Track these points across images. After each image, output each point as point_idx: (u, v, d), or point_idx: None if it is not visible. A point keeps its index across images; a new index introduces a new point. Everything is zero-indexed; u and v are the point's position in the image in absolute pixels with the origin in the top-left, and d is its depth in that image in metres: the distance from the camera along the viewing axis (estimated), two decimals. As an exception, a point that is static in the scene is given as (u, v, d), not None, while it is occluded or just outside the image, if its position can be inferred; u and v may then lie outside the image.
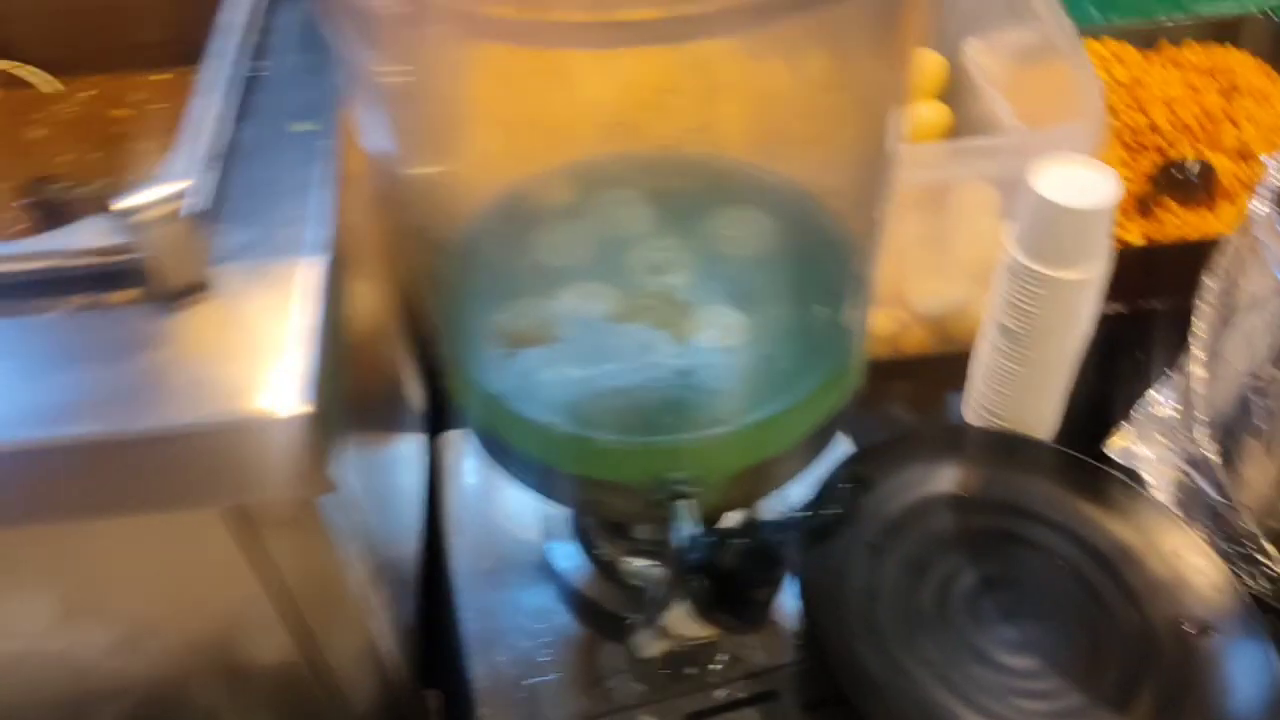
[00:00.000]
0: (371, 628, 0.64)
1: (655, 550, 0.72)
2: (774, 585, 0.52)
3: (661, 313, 0.63)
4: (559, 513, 0.82)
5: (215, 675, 0.69)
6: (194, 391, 0.47)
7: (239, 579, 0.58)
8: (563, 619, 0.80)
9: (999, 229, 0.77)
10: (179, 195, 0.47)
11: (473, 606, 0.81)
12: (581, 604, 0.79)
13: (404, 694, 0.72)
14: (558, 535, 0.81)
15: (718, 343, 0.63)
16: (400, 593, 0.74)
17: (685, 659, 0.75)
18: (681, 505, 0.58)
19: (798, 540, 0.52)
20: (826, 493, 0.64)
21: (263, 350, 0.48)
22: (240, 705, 0.73)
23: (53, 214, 0.77)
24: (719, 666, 0.75)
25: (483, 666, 0.78)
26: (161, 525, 0.55)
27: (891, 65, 0.52)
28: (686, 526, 0.56)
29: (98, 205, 0.77)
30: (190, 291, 0.50)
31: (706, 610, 0.54)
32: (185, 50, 0.89)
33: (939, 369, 0.97)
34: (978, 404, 0.86)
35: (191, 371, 0.48)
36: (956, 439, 0.83)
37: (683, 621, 0.56)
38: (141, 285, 0.50)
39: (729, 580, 0.53)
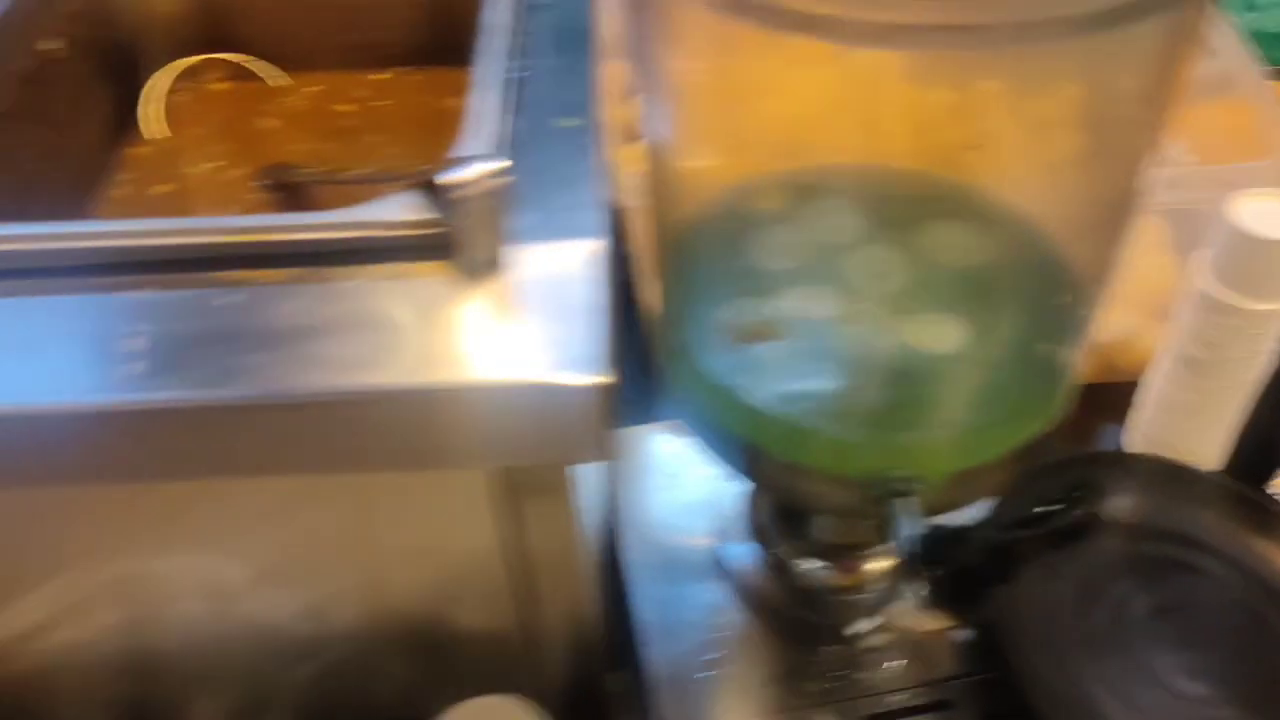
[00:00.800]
0: (586, 602, 0.67)
1: (855, 547, 0.74)
2: (1011, 582, 0.55)
3: (889, 317, 0.66)
4: (733, 513, 0.85)
5: (421, 638, 0.73)
6: (493, 357, 0.51)
7: (480, 540, 0.62)
8: (736, 616, 0.82)
9: (1170, 261, 0.79)
10: (493, 174, 0.51)
11: (648, 598, 0.84)
12: (756, 603, 0.81)
13: (595, 672, 0.75)
14: (732, 535, 0.84)
15: (939, 349, 0.65)
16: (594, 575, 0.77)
17: (860, 662, 0.77)
18: (901, 502, 0.61)
19: (1043, 539, 0.54)
20: (1058, 497, 0.66)
21: (557, 324, 0.52)
22: (436, 672, 0.76)
23: (290, 196, 0.83)
24: (893, 673, 0.76)
25: (660, 656, 0.81)
26: (425, 482, 0.59)
27: (1153, 103, 0.54)
28: (914, 522, 0.59)
29: (334, 190, 0.83)
30: (489, 266, 0.54)
31: (939, 604, 0.56)
32: (400, 53, 0.96)
33: (1100, 398, 0.98)
34: (1146, 433, 0.87)
35: (490, 339, 0.52)
36: (1126, 466, 0.84)
37: (909, 614, 0.58)
38: (446, 258, 0.54)
39: (965, 576, 0.55)
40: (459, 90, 0.93)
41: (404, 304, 0.54)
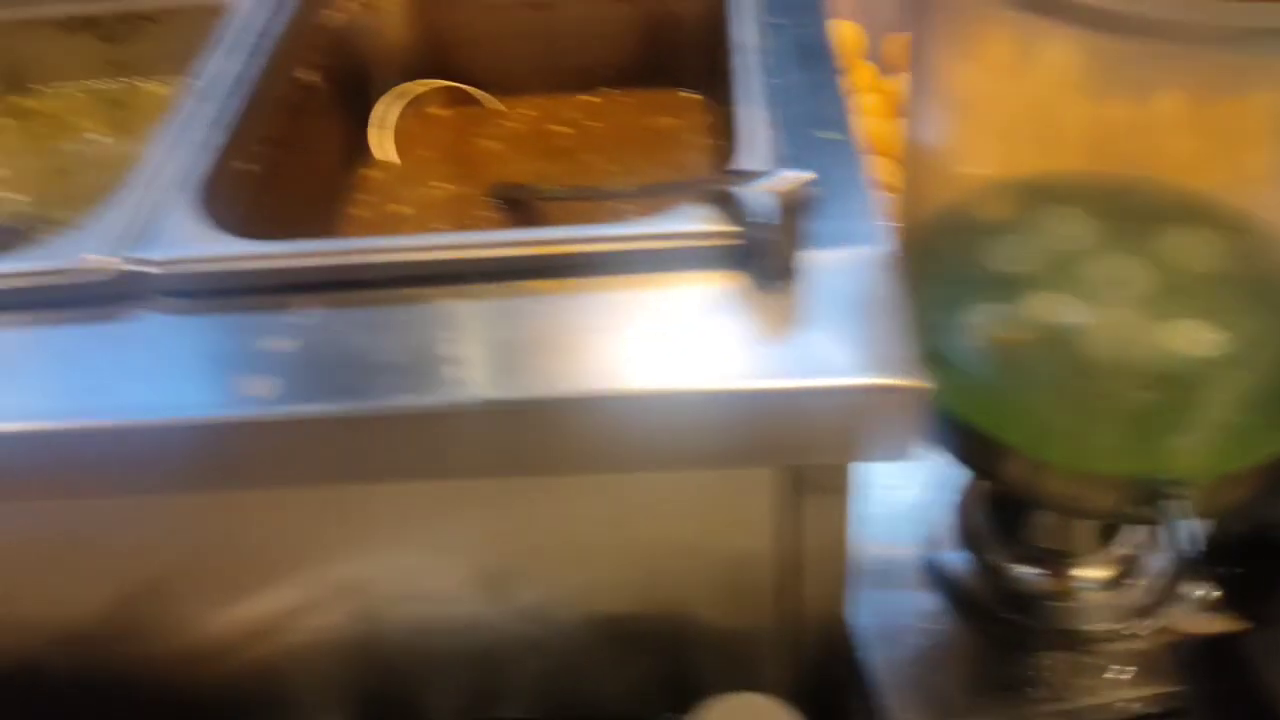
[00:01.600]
0: (839, 602, 0.69)
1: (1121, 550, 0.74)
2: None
3: (1144, 321, 0.66)
4: (946, 520, 0.86)
5: (666, 636, 0.75)
6: (800, 360, 0.54)
7: (754, 538, 0.64)
8: (951, 623, 0.83)
9: None
10: (799, 185, 0.54)
11: (865, 602, 0.85)
12: (969, 609, 0.82)
13: (834, 673, 0.77)
14: (944, 543, 0.85)
15: (1198, 353, 0.66)
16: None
17: (1090, 668, 0.77)
18: (1173, 504, 0.62)
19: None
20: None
21: (859, 328, 0.54)
22: (676, 669, 0.79)
23: (520, 213, 0.87)
24: (1121, 679, 0.76)
25: (881, 659, 0.82)
26: (710, 481, 0.62)
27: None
28: (1191, 524, 0.59)
29: (561, 207, 0.87)
30: (786, 273, 0.56)
31: (1225, 606, 0.57)
32: (609, 76, 0.99)
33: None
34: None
35: (793, 343, 0.54)
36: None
37: (1190, 617, 0.58)
38: (743, 266, 0.57)
39: (1258, 576, 0.55)
40: (668, 111, 0.97)
41: (709, 310, 0.56)
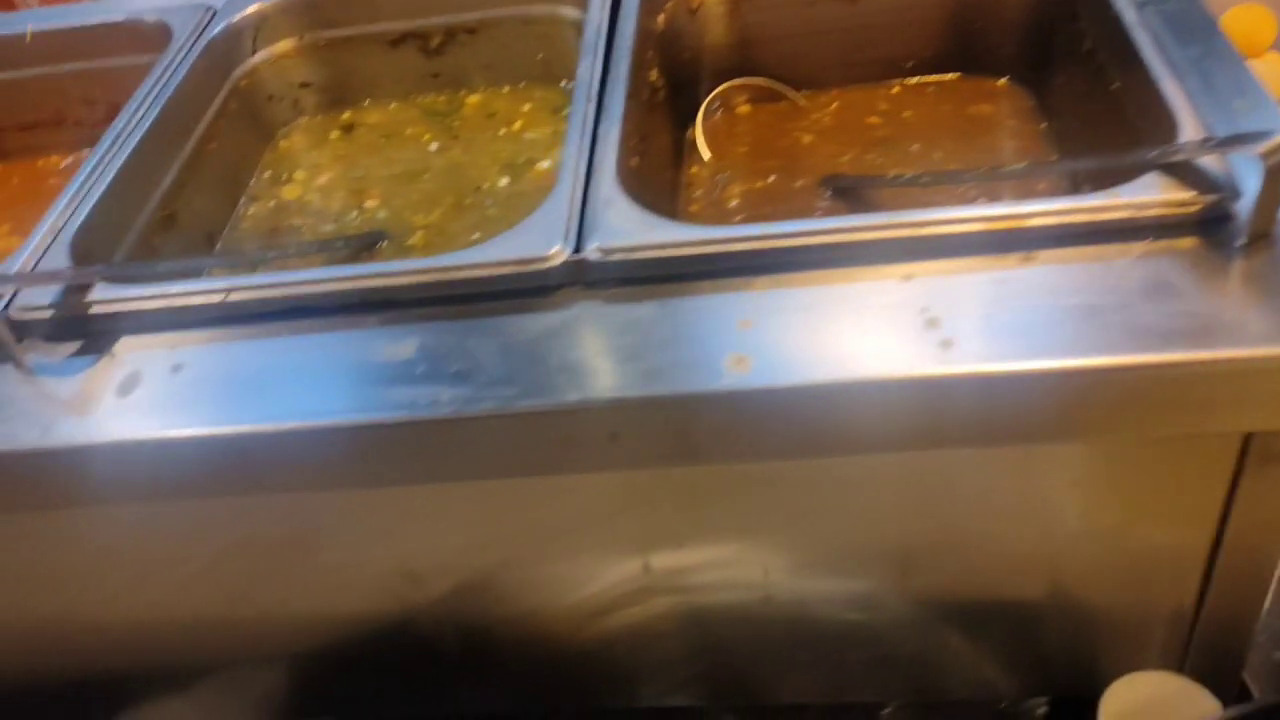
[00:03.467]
0: (1266, 581, 0.68)
1: None
2: None
3: None
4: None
5: (1054, 615, 0.75)
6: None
7: (1200, 512, 0.64)
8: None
9: None
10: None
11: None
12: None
13: (1238, 652, 0.75)
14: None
15: None
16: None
17: None
18: None
19: None
20: None
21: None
22: (1073, 645, 0.78)
23: (855, 201, 0.89)
24: None
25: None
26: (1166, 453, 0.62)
27: None
28: None
29: (893, 193, 0.88)
30: (1258, 238, 0.56)
31: None
32: (909, 67, 1.00)
33: None
34: None
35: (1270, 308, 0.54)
36: None
37: None
38: (1209, 233, 0.57)
39: None
40: (979, 98, 0.98)
41: (1170, 280, 0.57)
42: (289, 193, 0.96)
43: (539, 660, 0.84)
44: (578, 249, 0.65)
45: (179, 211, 0.86)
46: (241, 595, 0.75)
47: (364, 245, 0.87)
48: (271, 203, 0.95)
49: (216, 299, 0.67)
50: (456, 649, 0.82)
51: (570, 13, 0.96)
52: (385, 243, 0.87)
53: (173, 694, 0.84)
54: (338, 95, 1.04)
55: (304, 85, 1.03)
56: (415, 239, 0.88)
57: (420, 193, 0.94)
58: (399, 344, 0.64)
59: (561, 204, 0.68)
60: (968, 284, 0.60)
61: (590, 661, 0.85)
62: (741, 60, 1.00)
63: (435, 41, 1.02)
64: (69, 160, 1.08)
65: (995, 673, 0.83)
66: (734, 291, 0.63)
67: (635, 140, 0.77)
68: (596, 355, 0.61)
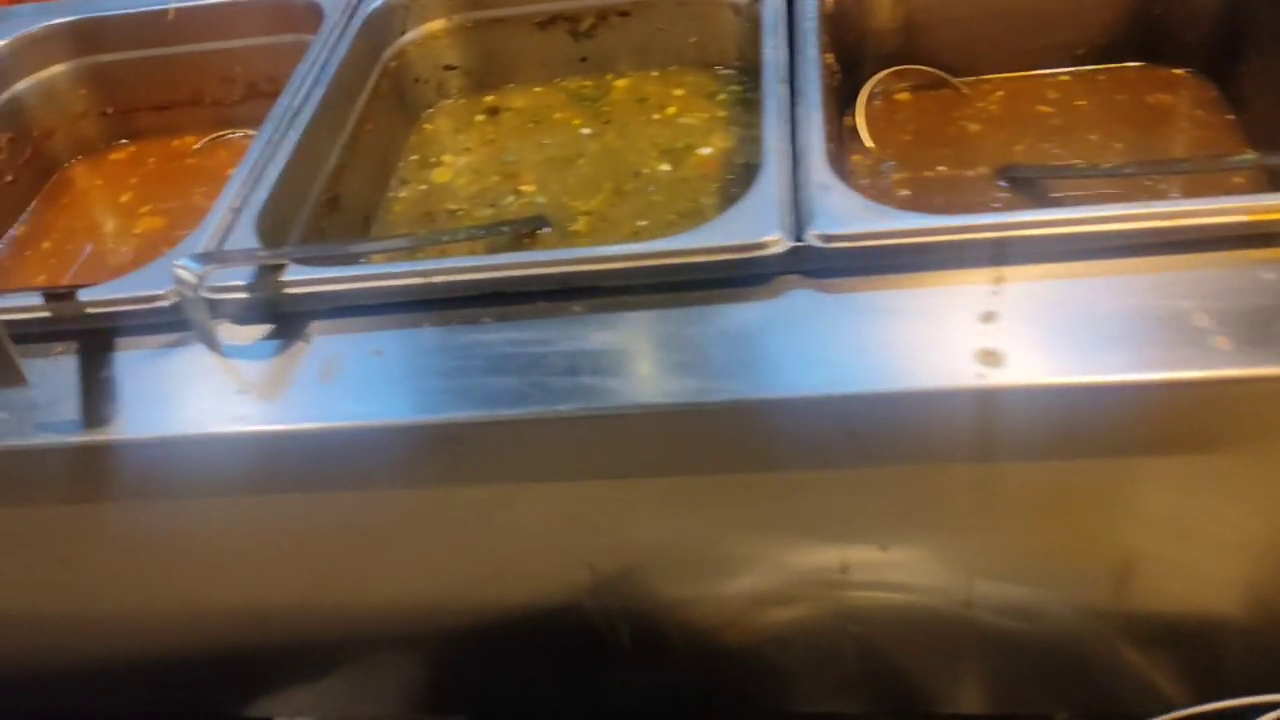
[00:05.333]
0: None
1: None
2: None
3: None
4: None
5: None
6: None
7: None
8: None
9: None
10: None
11: None
12: None
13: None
14: None
15: None
16: None
17: None
18: None
19: None
20: None
21: None
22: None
23: (1031, 192, 0.85)
24: None
25: None
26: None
27: None
28: None
29: (1074, 184, 0.84)
30: None
31: None
32: (1078, 54, 0.96)
33: None
34: None
35: None
36: None
37: None
38: None
39: None
40: (1157, 87, 0.94)
41: None
42: (439, 176, 0.94)
43: (702, 654, 0.81)
44: (797, 236, 0.62)
45: (342, 194, 0.84)
46: (421, 585, 0.73)
47: (525, 230, 0.85)
48: (422, 186, 0.93)
49: (417, 282, 0.65)
50: (624, 641, 0.79)
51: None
52: (547, 229, 0.85)
53: (354, 677, 0.82)
54: (481, 78, 1.02)
55: (449, 68, 1.01)
56: (578, 225, 0.86)
57: (577, 178, 0.91)
58: (610, 332, 0.62)
59: (771, 190, 0.65)
60: (1231, 279, 0.56)
61: (754, 659, 0.82)
62: (903, 45, 0.97)
63: (586, 24, 0.99)
64: (205, 140, 1.07)
65: (1169, 683, 0.80)
66: (970, 284, 0.59)
67: (828, 125, 0.74)
68: (827, 348, 0.58)
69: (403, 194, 0.92)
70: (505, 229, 0.83)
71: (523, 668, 0.83)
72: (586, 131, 0.96)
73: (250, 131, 1.07)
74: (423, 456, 0.61)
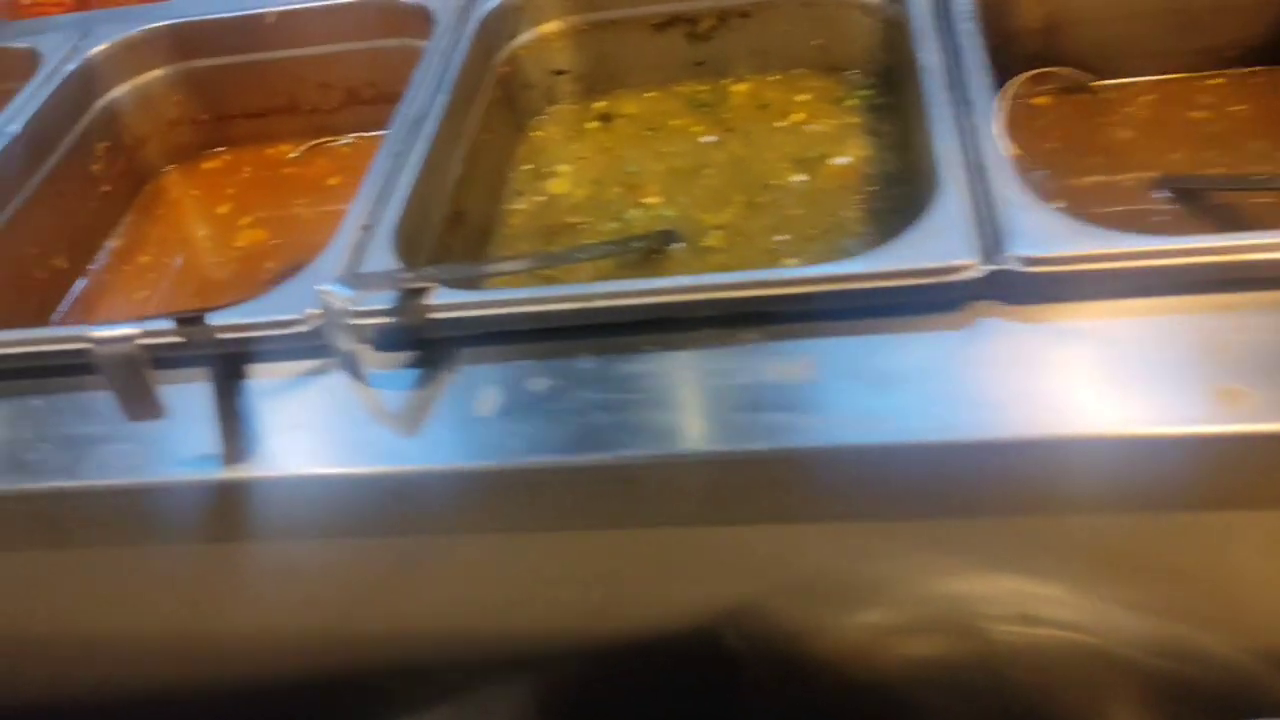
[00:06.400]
0: None
1: None
2: None
3: None
4: None
5: None
6: None
7: None
8: None
9: None
10: None
11: None
12: None
13: None
14: None
15: None
16: None
17: None
18: None
19: None
20: None
21: None
22: None
23: (1192, 203, 0.80)
24: None
25: None
26: None
27: None
28: None
29: (1244, 197, 0.79)
30: None
31: None
32: (1233, 55, 0.91)
33: None
34: None
35: None
36: None
37: None
38: None
39: None
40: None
41: None
42: (555, 187, 0.89)
43: (839, 689, 0.77)
44: (993, 258, 0.57)
45: (465, 208, 0.80)
46: (564, 624, 0.68)
47: (656, 245, 0.80)
48: (539, 198, 0.88)
49: (573, 307, 0.60)
50: (756, 671, 0.75)
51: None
52: (679, 244, 0.80)
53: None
54: (591, 83, 0.97)
55: (558, 73, 0.96)
56: (711, 240, 0.81)
57: (704, 189, 0.86)
58: (789, 362, 0.57)
59: (956, 207, 0.60)
60: None
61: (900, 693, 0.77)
62: (1043, 47, 0.91)
63: (704, 25, 0.94)
64: (301, 149, 1.03)
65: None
66: (1197, 312, 0.54)
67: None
68: (1040, 382, 0.53)
69: (519, 206, 0.88)
70: (639, 244, 0.79)
71: (656, 704, 0.79)
72: (709, 139, 0.91)
73: (349, 138, 1.03)
74: (589, 498, 0.56)
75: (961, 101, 0.68)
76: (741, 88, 0.96)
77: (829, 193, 0.83)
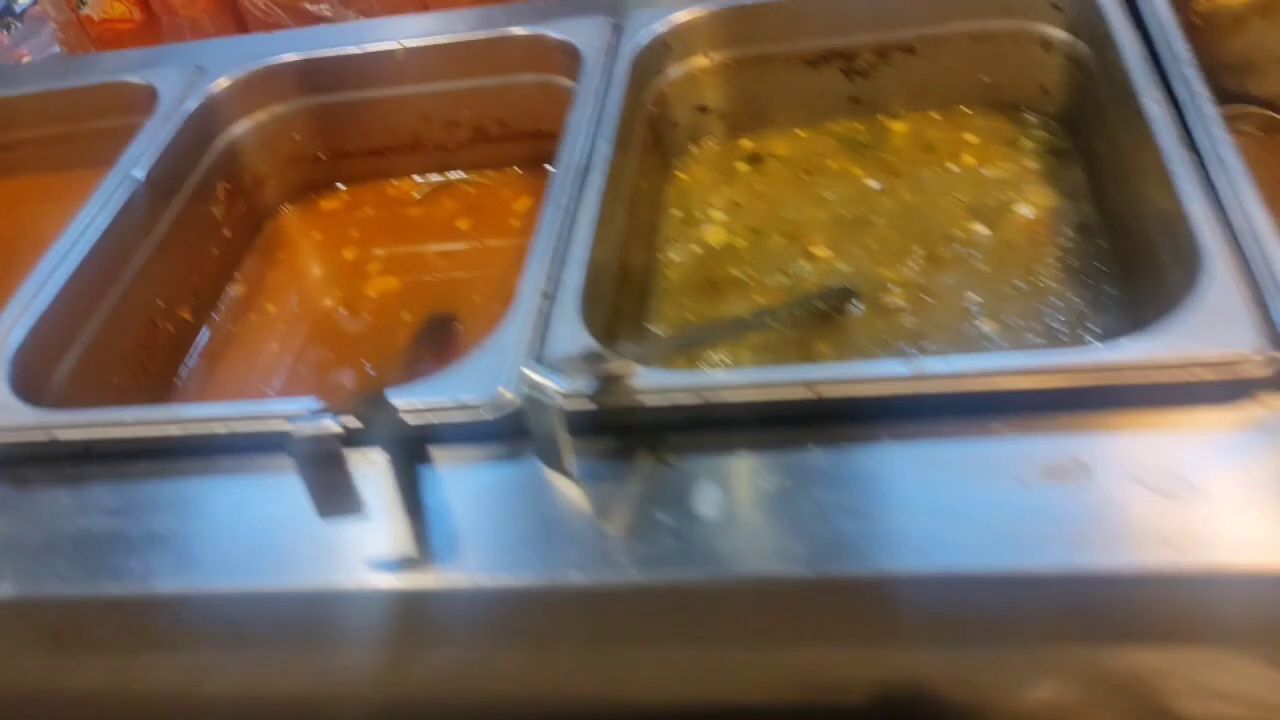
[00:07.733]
0: None
1: None
2: None
3: None
4: None
5: None
6: None
7: None
8: None
9: None
10: None
11: None
12: None
13: None
14: None
15: None
16: None
17: None
18: None
19: None
20: None
21: None
22: None
23: None
24: None
25: None
26: None
27: None
28: None
29: None
30: None
31: None
32: None
33: None
34: None
35: None
36: None
37: None
38: None
39: None
40: None
41: None
42: (711, 236, 0.84)
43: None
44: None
45: (629, 262, 0.75)
46: None
47: (834, 303, 0.74)
48: (695, 248, 0.82)
49: (798, 396, 0.54)
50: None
51: (1049, 30, 0.82)
52: (858, 303, 0.74)
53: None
54: (736, 121, 0.91)
55: (702, 110, 0.91)
56: (893, 296, 0.75)
57: (877, 240, 0.80)
58: (1057, 458, 0.51)
59: (1221, 281, 0.54)
60: None
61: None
62: (1235, 85, 0.85)
63: (863, 61, 0.88)
64: (425, 188, 0.98)
65: None
66: None
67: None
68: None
69: (674, 257, 0.82)
70: (820, 304, 0.73)
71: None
72: (873, 184, 0.85)
73: (471, 175, 0.98)
74: (836, 618, 0.50)
75: (1215, 161, 0.61)
76: (899, 126, 0.90)
77: (1018, 247, 0.77)
